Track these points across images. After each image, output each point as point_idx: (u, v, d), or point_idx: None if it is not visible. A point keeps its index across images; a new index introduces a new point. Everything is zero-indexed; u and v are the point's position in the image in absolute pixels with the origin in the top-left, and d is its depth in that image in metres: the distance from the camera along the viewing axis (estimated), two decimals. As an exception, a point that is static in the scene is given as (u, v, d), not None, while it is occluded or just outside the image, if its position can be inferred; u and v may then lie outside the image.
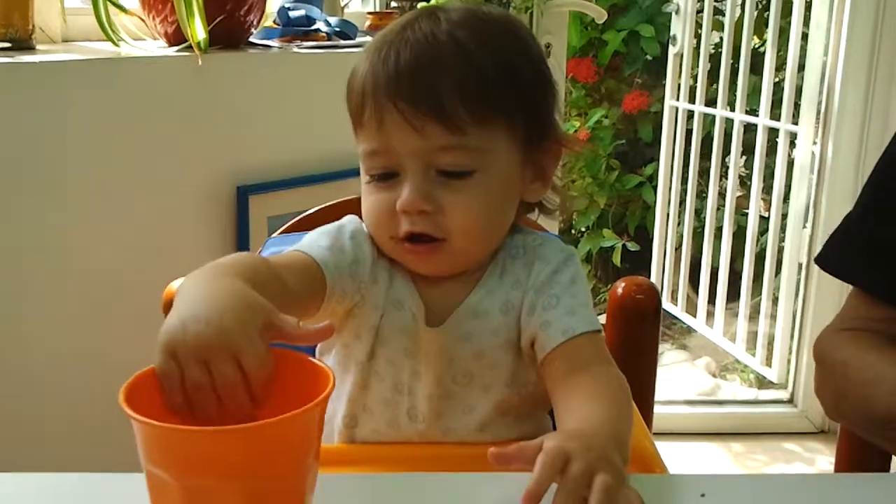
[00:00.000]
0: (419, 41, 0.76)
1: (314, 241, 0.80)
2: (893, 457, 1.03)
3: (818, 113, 2.29)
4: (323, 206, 1.13)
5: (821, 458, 2.27)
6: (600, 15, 2.27)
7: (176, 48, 1.51)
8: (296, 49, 1.68)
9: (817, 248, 2.28)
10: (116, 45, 1.51)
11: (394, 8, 2.04)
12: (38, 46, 1.46)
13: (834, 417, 0.96)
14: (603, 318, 1.01)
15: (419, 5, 1.92)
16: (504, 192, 0.79)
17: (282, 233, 1.09)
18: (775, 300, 2.45)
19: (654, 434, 0.91)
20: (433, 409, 0.81)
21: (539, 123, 0.81)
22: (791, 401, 2.47)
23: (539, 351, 0.78)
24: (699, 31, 2.56)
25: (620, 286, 1.01)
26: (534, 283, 0.80)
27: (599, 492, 0.56)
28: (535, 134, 0.80)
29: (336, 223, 0.83)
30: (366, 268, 0.80)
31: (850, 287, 0.96)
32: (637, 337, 1.01)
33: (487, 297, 0.80)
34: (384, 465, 0.78)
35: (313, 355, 0.86)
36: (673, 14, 2.61)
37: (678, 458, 2.24)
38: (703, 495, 0.63)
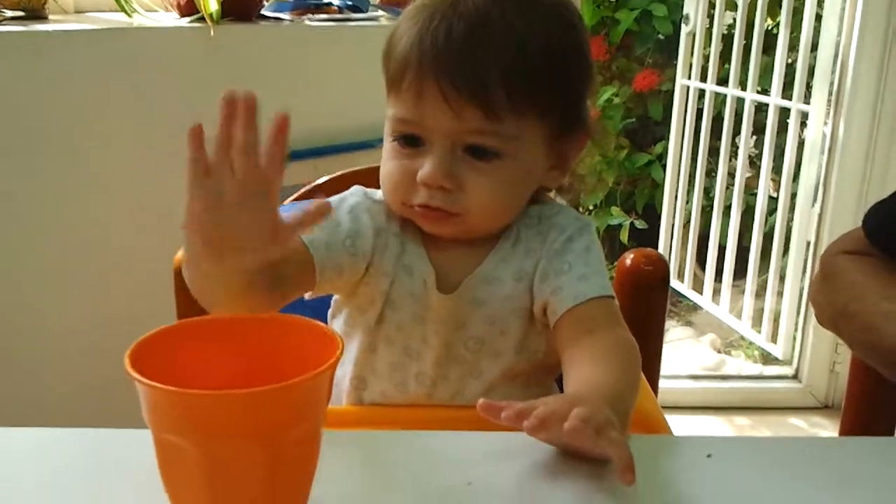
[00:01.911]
0: (471, 18, 0.74)
1: None
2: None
3: (830, 93, 2.28)
4: (331, 176, 1.14)
5: (824, 434, 2.28)
6: (612, -9, 2.25)
7: (188, 19, 1.52)
8: (307, 22, 1.68)
9: (826, 227, 2.30)
10: (129, 15, 1.52)
11: (405, -18, 2.03)
12: (50, 16, 1.47)
13: (824, 325, 0.97)
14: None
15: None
16: (524, 178, 0.80)
17: (292, 201, 1.10)
18: (782, 278, 2.45)
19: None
20: (441, 373, 0.82)
21: (573, 115, 0.80)
22: (796, 376, 2.47)
23: (551, 316, 0.79)
24: (712, 10, 2.55)
25: (629, 257, 1.02)
26: (547, 251, 0.81)
27: (574, 416, 0.58)
28: (567, 125, 0.80)
29: (338, 196, 0.83)
30: (367, 240, 0.80)
31: None
32: (645, 307, 1.01)
33: (501, 265, 0.81)
34: (391, 426, 0.79)
35: (325, 317, 0.87)
36: (685, -8, 2.60)
37: (682, 430, 2.24)
38: (709, 456, 0.64)
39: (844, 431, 1.06)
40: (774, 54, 2.39)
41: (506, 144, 0.76)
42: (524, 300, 0.81)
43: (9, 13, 1.38)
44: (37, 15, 1.44)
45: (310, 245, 0.77)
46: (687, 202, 2.72)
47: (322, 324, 0.58)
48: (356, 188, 0.85)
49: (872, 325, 0.86)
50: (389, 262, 0.81)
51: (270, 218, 0.61)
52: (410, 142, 0.77)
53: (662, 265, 1.02)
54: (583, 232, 0.82)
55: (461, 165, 0.76)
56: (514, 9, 0.76)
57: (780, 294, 2.45)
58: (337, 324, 0.86)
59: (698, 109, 2.64)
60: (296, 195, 1.11)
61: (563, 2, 0.81)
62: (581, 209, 3.36)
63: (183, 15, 1.55)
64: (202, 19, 1.48)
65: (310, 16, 1.72)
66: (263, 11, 1.67)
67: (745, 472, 0.63)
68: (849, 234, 0.97)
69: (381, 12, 1.85)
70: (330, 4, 1.77)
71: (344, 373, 0.84)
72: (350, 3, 1.78)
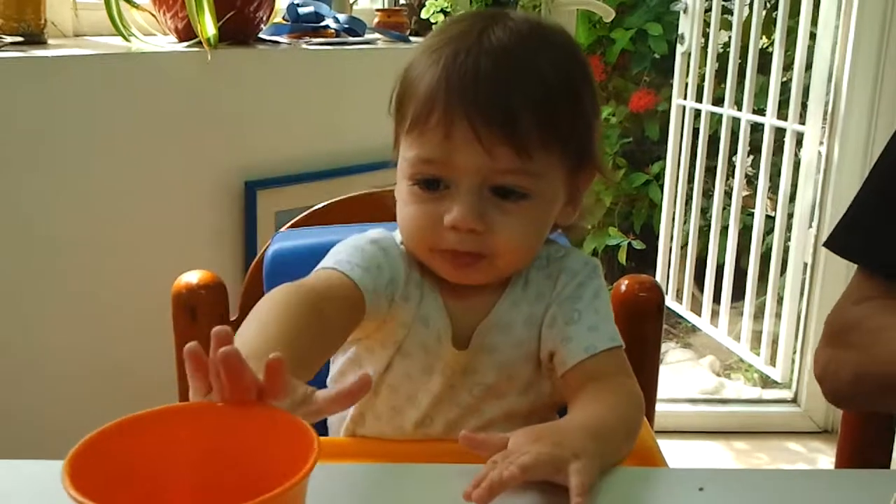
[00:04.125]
0: (497, 54, 0.73)
1: (350, 259, 0.76)
2: (894, 456, 1.03)
3: (825, 113, 2.30)
4: (330, 201, 1.14)
5: (823, 458, 2.27)
6: (608, 14, 2.27)
7: (186, 44, 1.53)
8: (304, 45, 1.69)
9: (823, 249, 2.29)
10: (127, 40, 1.52)
11: (402, 5, 2.04)
12: (49, 41, 1.47)
13: (840, 393, 0.92)
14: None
15: (428, 2, 1.93)
16: (548, 217, 0.79)
17: (289, 227, 1.10)
18: (780, 300, 2.45)
19: (658, 432, 0.92)
20: (441, 414, 0.81)
21: (587, 150, 0.79)
22: (794, 400, 2.47)
23: (559, 365, 0.78)
24: (707, 30, 2.56)
25: (623, 284, 1.01)
26: (558, 296, 0.80)
27: (513, 463, 0.59)
28: (582, 160, 0.79)
29: (367, 237, 0.80)
30: (399, 285, 0.78)
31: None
32: (640, 335, 1.01)
33: (512, 310, 0.80)
34: (386, 459, 0.78)
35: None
36: (681, 13, 2.62)
37: (681, 455, 2.25)
38: (701, 489, 0.64)
39: (841, 459, 1.05)
40: (770, 73, 2.41)
41: (533, 183, 0.74)
42: (533, 345, 0.80)
43: (8, 39, 1.38)
44: (36, 40, 1.44)
45: (364, 290, 0.74)
46: (685, 222, 2.73)
47: (291, 416, 0.52)
48: (382, 231, 0.82)
49: None
50: (409, 312, 0.79)
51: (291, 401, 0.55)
52: (432, 185, 0.75)
53: (657, 292, 1.01)
54: (592, 276, 0.82)
55: (489, 207, 0.74)
56: (533, 44, 0.75)
57: (778, 316, 2.45)
58: (341, 360, 0.85)
59: (695, 129, 2.65)
60: (292, 222, 1.12)
61: (569, 37, 0.81)
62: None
63: (181, 39, 1.56)
64: (200, 43, 1.49)
65: (307, 39, 1.73)
66: (261, 35, 1.68)
67: (738, 505, 0.63)
68: (844, 293, 0.95)
69: (378, 35, 1.86)
70: (327, 28, 1.78)
71: (346, 412, 0.83)
72: (347, 26, 1.80)
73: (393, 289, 0.78)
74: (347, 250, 0.78)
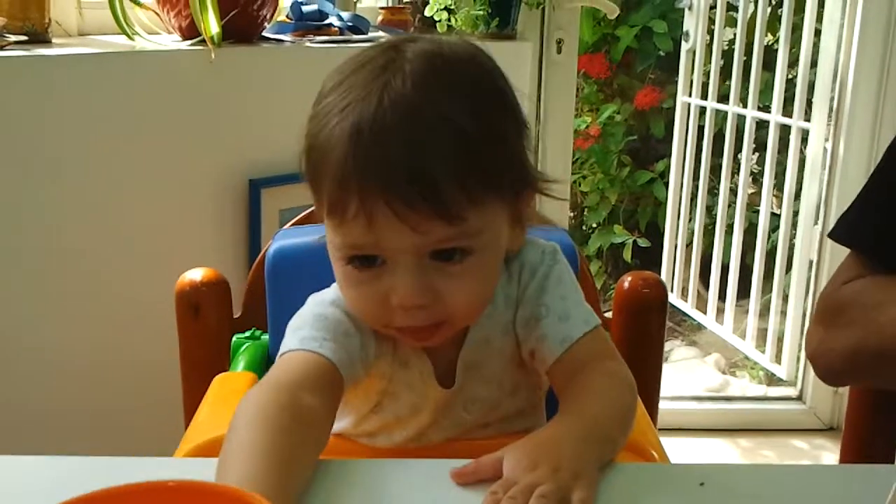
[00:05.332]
0: (403, 114, 0.65)
1: (315, 335, 0.73)
2: (897, 452, 1.03)
3: (830, 110, 2.29)
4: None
5: (827, 455, 2.27)
6: (612, 11, 2.27)
7: (189, 42, 1.53)
8: (308, 43, 1.69)
9: (828, 246, 2.29)
10: (131, 38, 1.53)
11: (406, 3, 2.04)
12: (54, 40, 1.47)
13: (834, 370, 0.92)
14: (610, 315, 1.02)
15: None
16: (498, 259, 0.75)
17: (291, 226, 1.11)
18: (786, 297, 2.45)
19: (662, 429, 0.92)
20: (437, 434, 0.81)
21: (522, 178, 0.74)
22: (800, 398, 2.46)
23: (540, 363, 0.78)
24: (712, 27, 2.56)
25: (627, 280, 1.02)
26: (522, 295, 0.79)
27: None
28: (519, 189, 0.74)
29: (326, 300, 0.76)
30: (371, 344, 0.76)
31: None
32: (643, 331, 1.01)
33: (486, 324, 0.78)
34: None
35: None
36: (686, 10, 2.61)
37: (686, 453, 2.25)
38: (702, 484, 0.64)
39: (845, 455, 1.05)
40: (775, 70, 2.40)
41: (474, 241, 0.69)
42: (513, 349, 0.80)
43: (12, 38, 1.39)
44: (40, 39, 1.45)
45: (340, 367, 0.71)
46: (690, 220, 2.73)
47: (248, 494, 0.48)
48: (338, 293, 0.76)
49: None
50: (386, 362, 0.78)
51: None
52: (367, 261, 0.70)
53: (661, 288, 1.02)
54: (552, 265, 0.79)
55: (433, 275, 0.69)
56: (440, 87, 0.67)
57: (783, 314, 2.45)
58: None
59: (700, 127, 2.65)
60: (295, 220, 1.12)
61: (477, 59, 0.73)
62: (585, 227, 3.37)
63: (185, 38, 1.56)
64: (203, 42, 1.49)
65: (311, 37, 1.73)
66: (265, 33, 1.68)
67: (738, 500, 0.63)
68: (834, 274, 0.96)
69: (381, 33, 1.86)
70: (331, 26, 1.78)
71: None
72: (351, 24, 1.80)
73: (365, 352, 0.75)
74: (310, 322, 0.74)
